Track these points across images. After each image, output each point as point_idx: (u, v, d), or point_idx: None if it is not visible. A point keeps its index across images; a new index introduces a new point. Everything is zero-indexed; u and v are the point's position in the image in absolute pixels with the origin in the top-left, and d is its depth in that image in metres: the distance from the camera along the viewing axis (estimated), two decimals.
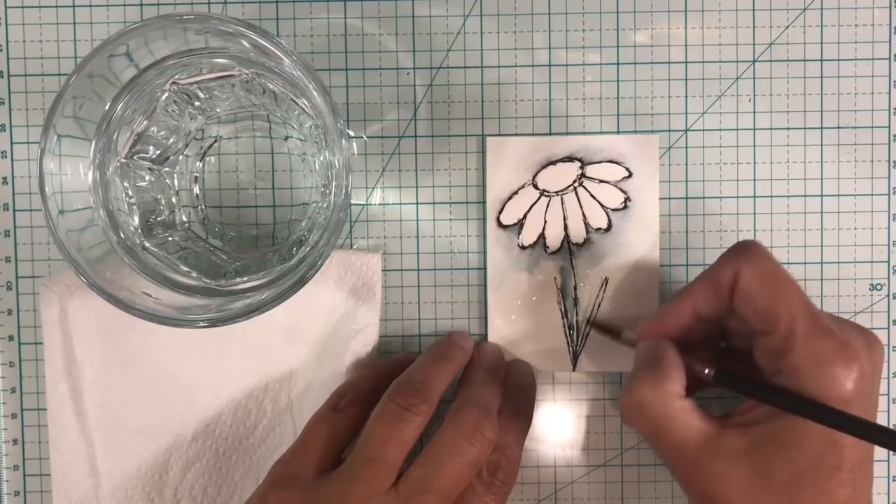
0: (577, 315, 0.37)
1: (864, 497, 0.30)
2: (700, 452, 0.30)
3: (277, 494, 0.31)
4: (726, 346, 0.35)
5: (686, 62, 0.37)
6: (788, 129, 0.37)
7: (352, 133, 0.37)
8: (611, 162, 0.37)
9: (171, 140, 0.35)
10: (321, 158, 0.35)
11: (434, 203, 0.38)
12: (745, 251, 0.31)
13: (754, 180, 0.37)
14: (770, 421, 0.30)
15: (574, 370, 0.37)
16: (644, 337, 0.33)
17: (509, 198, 0.37)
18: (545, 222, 0.37)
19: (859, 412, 0.29)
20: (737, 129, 0.37)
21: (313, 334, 0.37)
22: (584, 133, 0.37)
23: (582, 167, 0.37)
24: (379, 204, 0.38)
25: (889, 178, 0.38)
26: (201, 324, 0.29)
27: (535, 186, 0.37)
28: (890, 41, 0.37)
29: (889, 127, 0.37)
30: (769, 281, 0.30)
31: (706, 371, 0.32)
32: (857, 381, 0.29)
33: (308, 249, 0.32)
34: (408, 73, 0.37)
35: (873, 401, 0.30)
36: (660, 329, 0.33)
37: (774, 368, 0.30)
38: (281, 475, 0.32)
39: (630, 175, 0.37)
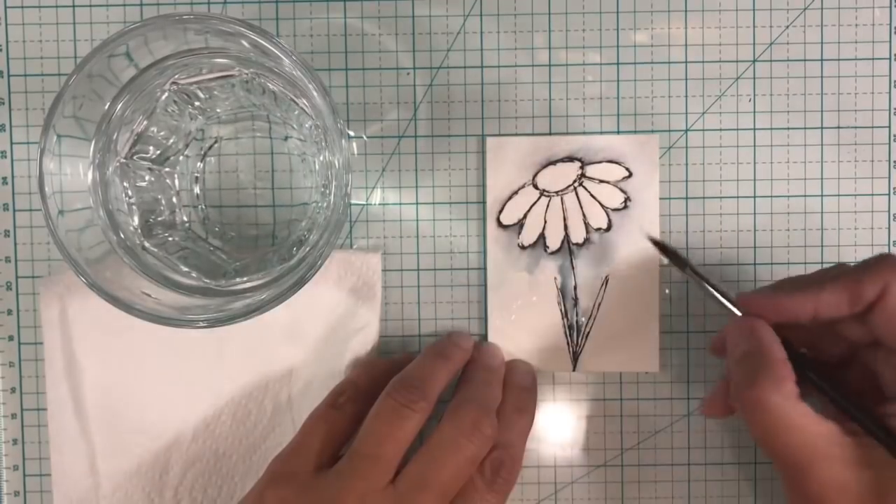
0: (577, 315, 0.37)
1: None
2: (818, 459, 0.29)
3: (275, 491, 0.31)
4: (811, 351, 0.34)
5: (686, 62, 0.37)
6: (788, 129, 0.37)
7: (352, 133, 0.37)
8: (611, 162, 0.37)
9: (171, 140, 0.35)
10: (321, 158, 0.35)
11: (434, 203, 0.38)
12: (895, 266, 0.30)
13: (754, 180, 0.37)
14: None
15: (574, 370, 0.37)
16: (746, 306, 0.32)
17: (509, 198, 0.37)
18: (545, 222, 0.37)
19: None
20: (737, 129, 0.37)
21: (313, 334, 0.37)
22: (584, 133, 0.37)
23: (582, 167, 0.37)
24: (379, 204, 0.38)
25: (889, 178, 0.38)
26: (201, 324, 0.29)
27: (535, 186, 0.37)
28: (890, 41, 0.37)
29: (889, 127, 0.37)
30: None
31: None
32: None
33: (308, 249, 0.32)
34: (408, 73, 0.37)
35: None
36: (768, 312, 0.31)
37: None
38: (279, 472, 0.32)
39: (630, 175, 0.37)
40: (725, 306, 0.33)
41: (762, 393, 0.29)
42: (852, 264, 0.31)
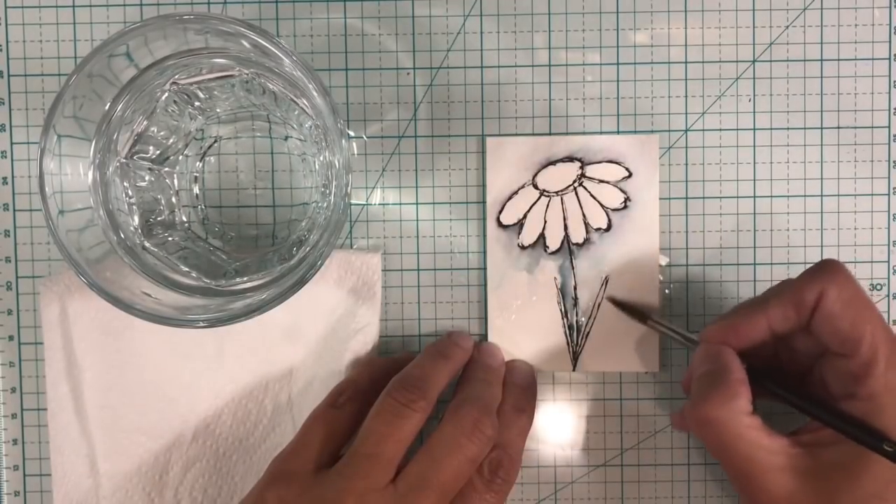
0: (577, 315, 0.37)
1: None
2: (765, 470, 0.30)
3: (275, 491, 0.31)
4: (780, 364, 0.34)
5: (686, 62, 0.37)
6: (788, 129, 0.37)
7: (352, 133, 0.37)
8: (611, 162, 0.37)
9: (171, 140, 0.35)
10: (321, 158, 0.35)
11: (434, 203, 0.38)
12: (830, 272, 0.31)
13: (754, 180, 0.37)
14: (839, 444, 0.30)
15: (574, 370, 0.37)
16: (709, 341, 0.33)
17: (509, 198, 0.37)
18: (545, 222, 0.37)
19: None
20: (737, 129, 0.37)
21: (313, 334, 0.37)
22: (584, 133, 0.37)
23: (582, 167, 0.37)
24: (379, 204, 0.38)
25: (889, 178, 0.38)
26: (201, 324, 0.30)
27: (535, 186, 0.37)
28: (890, 41, 0.37)
29: (889, 127, 0.37)
30: (853, 304, 0.30)
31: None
32: None
33: (308, 249, 0.32)
34: (408, 73, 0.37)
35: None
36: (729, 339, 0.32)
37: (847, 392, 0.30)
38: (279, 471, 0.32)
39: (630, 175, 0.37)
40: (692, 347, 0.34)
41: (711, 409, 0.30)
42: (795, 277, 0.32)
